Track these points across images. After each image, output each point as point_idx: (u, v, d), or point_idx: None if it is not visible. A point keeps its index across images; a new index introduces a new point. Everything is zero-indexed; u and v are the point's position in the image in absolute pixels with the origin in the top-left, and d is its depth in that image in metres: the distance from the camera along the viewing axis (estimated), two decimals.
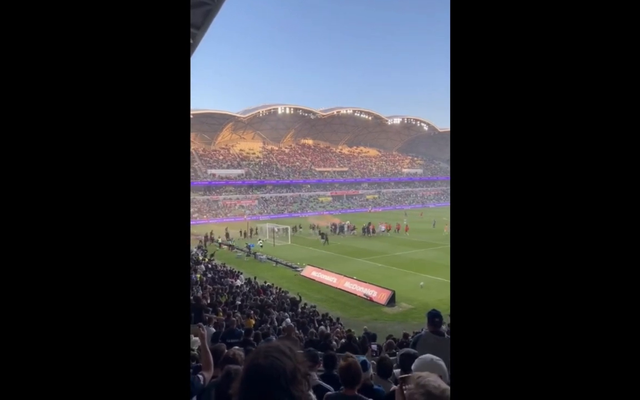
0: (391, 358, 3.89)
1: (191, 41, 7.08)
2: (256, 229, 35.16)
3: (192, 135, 58.33)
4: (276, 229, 32.17)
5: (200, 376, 2.50)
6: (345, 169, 67.33)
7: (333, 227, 35.97)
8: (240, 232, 34.29)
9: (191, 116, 53.35)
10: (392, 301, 15.59)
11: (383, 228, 34.74)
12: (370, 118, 67.61)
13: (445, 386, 0.96)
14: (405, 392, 0.97)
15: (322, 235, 31.73)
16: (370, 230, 33.73)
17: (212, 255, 24.52)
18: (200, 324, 3.70)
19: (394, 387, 1.25)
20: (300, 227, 36.67)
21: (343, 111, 64.70)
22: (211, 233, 32.24)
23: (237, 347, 3.82)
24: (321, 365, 3.23)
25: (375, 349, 7.30)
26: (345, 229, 35.10)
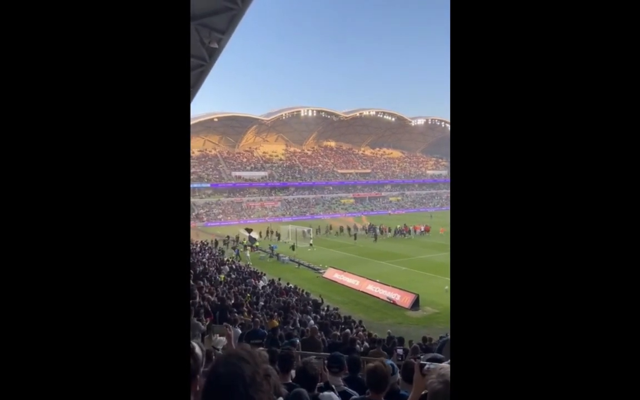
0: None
1: (216, 46, 7.20)
2: (276, 232, 35.42)
3: (217, 138, 59.65)
4: (305, 231, 32.45)
5: None
6: (368, 170, 66.94)
7: (369, 228, 36.36)
8: (260, 233, 34.71)
9: (216, 120, 54.65)
10: (416, 305, 15.33)
11: (422, 229, 35.44)
12: (393, 119, 66.96)
13: None
14: (426, 382, 0.98)
15: (354, 235, 33.47)
16: (405, 232, 34.38)
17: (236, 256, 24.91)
18: (227, 324, 3.74)
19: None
20: (331, 228, 36.68)
21: (366, 113, 64.41)
22: (237, 236, 32.78)
23: (260, 349, 3.84)
24: (346, 369, 3.20)
25: (401, 353, 7.19)
26: (378, 230, 35.52)
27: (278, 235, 34.77)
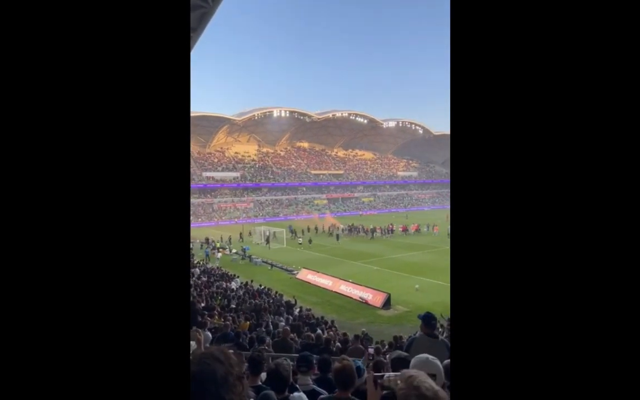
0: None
1: None
2: (249, 232, 35.06)
3: None
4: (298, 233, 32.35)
5: None
6: (341, 171, 67.43)
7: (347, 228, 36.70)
8: (229, 237, 34.18)
9: None
10: (387, 304, 15.60)
11: (412, 230, 36.26)
12: (365, 121, 67.82)
13: (437, 388, 0.97)
14: (399, 392, 0.98)
15: (337, 236, 33.58)
16: (389, 231, 34.94)
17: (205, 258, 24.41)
18: (196, 328, 3.67)
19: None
20: (309, 230, 36.50)
21: (338, 114, 64.90)
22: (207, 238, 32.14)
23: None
24: (315, 369, 3.23)
25: (373, 353, 7.29)
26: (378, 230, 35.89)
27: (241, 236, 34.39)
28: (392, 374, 1.15)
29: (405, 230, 35.69)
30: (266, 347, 6.02)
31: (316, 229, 37.56)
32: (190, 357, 1.07)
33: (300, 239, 32.04)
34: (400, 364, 2.03)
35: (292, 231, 35.39)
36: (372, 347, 7.86)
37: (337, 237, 33.35)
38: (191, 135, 57.20)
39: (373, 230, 34.85)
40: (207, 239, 31.01)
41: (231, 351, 1.09)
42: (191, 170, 54.02)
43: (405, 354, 2.54)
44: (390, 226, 36.14)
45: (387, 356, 3.92)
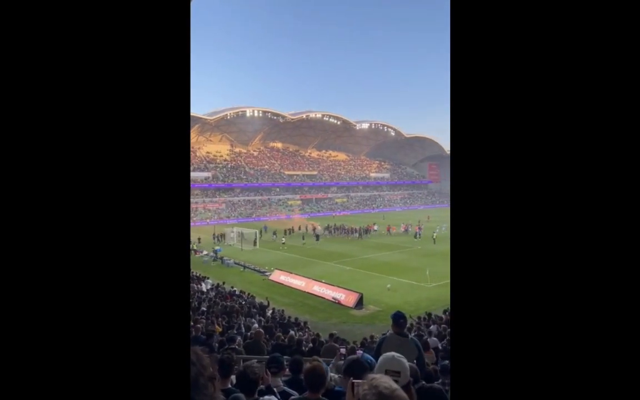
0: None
1: None
2: (223, 234, 34.47)
3: None
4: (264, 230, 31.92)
5: None
6: (315, 172, 67.54)
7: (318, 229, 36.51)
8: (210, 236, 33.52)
9: None
10: (360, 304, 15.76)
11: (402, 229, 36.28)
12: (339, 122, 68.26)
13: (395, 386, 1.00)
14: (358, 392, 1.01)
15: (317, 236, 33.56)
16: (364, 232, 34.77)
17: None
18: None
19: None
20: (275, 234, 36.04)
21: (312, 115, 64.96)
22: None
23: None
24: (287, 370, 3.22)
25: (344, 353, 7.35)
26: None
27: (220, 237, 33.78)
28: (362, 380, 1.17)
29: (388, 230, 36.19)
30: (237, 347, 5.94)
31: (292, 229, 37.39)
32: None
33: (284, 239, 32.04)
34: (356, 365, 2.06)
35: (274, 233, 35.04)
36: (343, 348, 7.92)
37: (317, 237, 33.39)
38: None
39: (366, 230, 34.97)
40: None
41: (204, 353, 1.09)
42: None
43: (357, 356, 2.61)
44: (371, 226, 36.47)
45: (358, 353, 3.97)
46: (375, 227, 36.68)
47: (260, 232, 34.01)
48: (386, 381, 1.00)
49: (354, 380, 1.24)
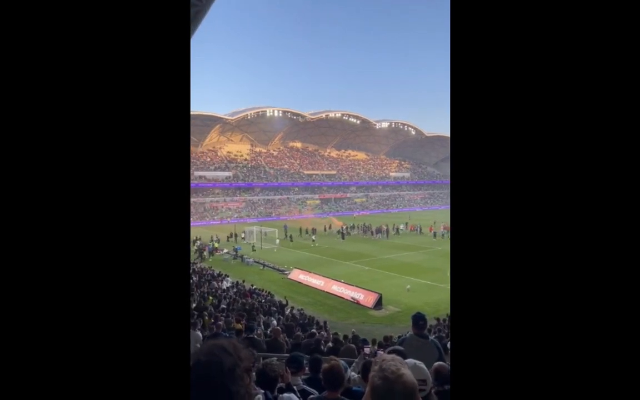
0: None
1: None
2: (242, 233, 34.89)
3: None
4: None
5: None
6: (334, 172, 67.46)
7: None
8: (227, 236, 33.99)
9: None
10: (379, 304, 15.64)
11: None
12: (358, 122, 67.92)
13: (405, 371, 0.98)
14: (371, 376, 1.00)
15: (342, 234, 33.68)
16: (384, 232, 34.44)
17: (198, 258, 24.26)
18: None
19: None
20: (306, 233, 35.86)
21: (332, 114, 64.87)
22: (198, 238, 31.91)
23: None
24: (306, 369, 3.23)
25: (368, 353, 7.31)
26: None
27: (234, 236, 34.19)
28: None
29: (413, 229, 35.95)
30: (255, 336, 6.00)
31: (314, 230, 37.37)
32: (198, 348, 1.07)
33: (314, 237, 32.15)
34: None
35: (306, 231, 35.05)
36: (367, 347, 7.87)
37: (343, 236, 33.41)
38: None
39: (387, 230, 34.33)
40: (197, 238, 30.83)
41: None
42: None
43: (400, 347, 2.57)
44: (396, 226, 36.29)
45: (385, 351, 3.95)
46: (402, 227, 36.49)
47: (286, 233, 34.21)
48: (395, 365, 0.99)
49: (366, 353, 1.23)
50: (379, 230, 34.42)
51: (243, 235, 33.92)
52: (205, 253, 26.77)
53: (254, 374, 1.07)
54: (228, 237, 33.68)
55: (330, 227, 37.63)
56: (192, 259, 23.31)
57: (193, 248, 27.63)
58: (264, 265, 23.61)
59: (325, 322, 11.61)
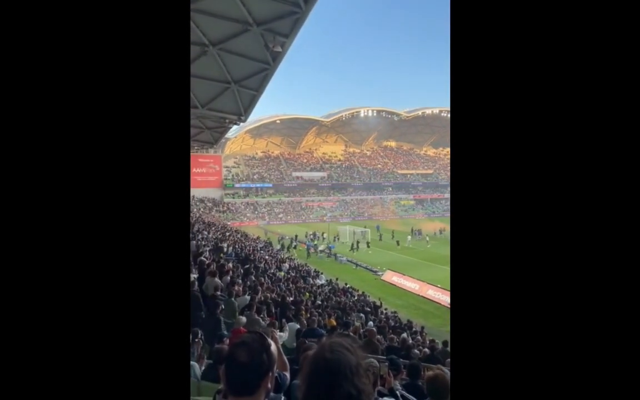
0: None
1: (280, 49, 7.42)
2: (337, 233, 35.57)
3: (279, 140, 61.58)
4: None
5: (283, 375, 2.58)
6: (430, 171, 64.57)
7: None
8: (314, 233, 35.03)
9: (278, 122, 56.46)
10: None
11: None
12: None
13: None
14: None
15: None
16: None
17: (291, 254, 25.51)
18: (273, 329, 3.84)
19: None
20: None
21: (428, 111, 62.20)
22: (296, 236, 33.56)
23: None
24: (404, 374, 3.12)
25: None
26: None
27: (312, 235, 34.87)
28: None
29: None
30: (350, 333, 6.03)
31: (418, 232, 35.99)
32: (319, 343, 1.07)
33: (427, 238, 31.75)
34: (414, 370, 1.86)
35: (419, 232, 34.67)
36: None
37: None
38: (283, 138, 60.47)
39: None
40: (295, 236, 32.42)
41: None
42: (282, 170, 57.10)
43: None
44: None
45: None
46: None
47: (380, 234, 34.01)
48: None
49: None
50: None
51: (337, 236, 34.57)
52: (311, 250, 27.84)
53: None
54: (313, 235, 34.68)
55: (444, 230, 35.61)
56: (290, 255, 24.55)
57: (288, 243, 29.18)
58: (357, 265, 23.72)
59: (422, 328, 11.17)
